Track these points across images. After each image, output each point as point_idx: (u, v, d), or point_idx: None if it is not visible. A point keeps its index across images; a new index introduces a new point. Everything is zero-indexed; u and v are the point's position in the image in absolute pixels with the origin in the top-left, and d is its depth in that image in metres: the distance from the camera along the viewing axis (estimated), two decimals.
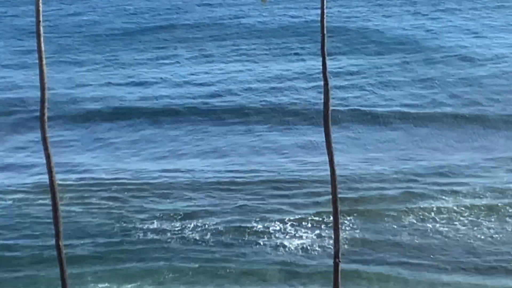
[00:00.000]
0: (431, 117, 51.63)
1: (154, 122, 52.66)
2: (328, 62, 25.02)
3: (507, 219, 39.42)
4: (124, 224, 39.86)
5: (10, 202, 42.47)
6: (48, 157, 24.73)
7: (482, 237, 38.06)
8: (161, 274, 35.97)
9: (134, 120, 52.96)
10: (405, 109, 52.80)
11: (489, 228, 38.69)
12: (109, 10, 75.39)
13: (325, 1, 24.20)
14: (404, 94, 55.20)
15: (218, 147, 48.80)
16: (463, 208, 40.23)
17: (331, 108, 24.56)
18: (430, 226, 39.09)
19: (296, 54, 63.17)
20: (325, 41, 25.59)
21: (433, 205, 40.63)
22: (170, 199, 42.45)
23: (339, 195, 25.84)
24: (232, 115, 53.05)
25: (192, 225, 39.66)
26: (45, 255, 37.10)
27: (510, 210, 40.09)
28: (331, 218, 28.38)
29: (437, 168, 44.58)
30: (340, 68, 59.32)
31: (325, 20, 25.45)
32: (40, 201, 41.47)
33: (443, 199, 41.34)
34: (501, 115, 51.35)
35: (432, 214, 39.92)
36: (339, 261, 26.95)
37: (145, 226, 39.66)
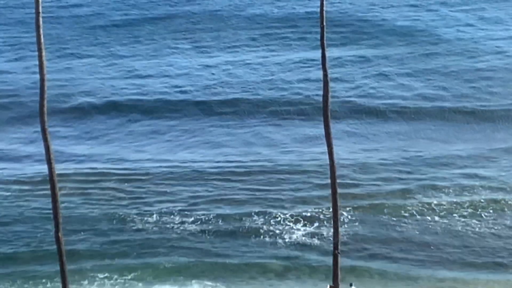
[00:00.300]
0: (429, 110, 51.43)
1: (150, 114, 52.47)
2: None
3: (507, 213, 39.36)
4: (123, 216, 39.85)
5: (9, 193, 42.47)
6: (47, 148, 24.73)
7: (481, 232, 38.02)
8: (160, 265, 36.00)
9: (130, 113, 52.78)
10: (403, 103, 52.62)
11: (488, 223, 38.63)
12: (108, 0, 75.02)
13: None
14: (402, 87, 55.02)
15: (216, 140, 48.70)
16: (462, 203, 40.18)
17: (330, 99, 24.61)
18: (429, 219, 39.05)
19: (291, 46, 62.87)
20: (325, 32, 25.58)
21: (432, 199, 40.60)
22: (169, 191, 42.41)
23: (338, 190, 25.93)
24: (227, 107, 52.86)
25: (191, 218, 39.63)
26: (44, 246, 37.14)
27: (510, 203, 40.05)
28: (330, 210, 28.37)
29: (436, 163, 44.50)
30: (334, 59, 59.00)
31: (324, 11, 25.43)
32: (39, 192, 41.48)
33: (442, 192, 41.27)
34: (500, 108, 51.19)
35: (431, 208, 39.85)
36: (339, 253, 26.97)
37: (144, 218, 39.64)
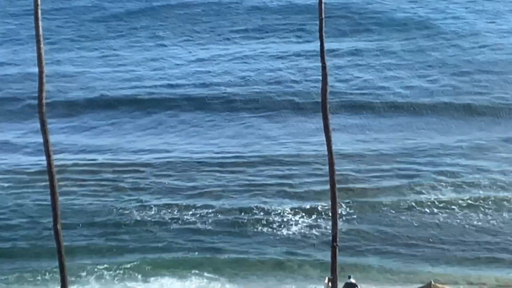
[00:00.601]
0: (427, 104, 51.30)
1: (145, 109, 52.19)
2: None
3: (505, 209, 39.32)
4: (122, 208, 39.90)
5: (8, 184, 42.52)
6: (46, 141, 24.75)
7: (480, 226, 37.98)
8: (159, 257, 36.06)
9: (126, 106, 52.61)
10: (400, 96, 52.48)
11: (487, 217, 38.61)
12: None
13: None
14: (400, 80, 54.92)
15: (213, 133, 48.63)
16: (461, 197, 40.13)
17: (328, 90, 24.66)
18: (428, 213, 39.04)
19: (287, 38, 62.67)
20: (323, 24, 25.59)
21: (431, 194, 40.55)
22: (167, 183, 42.41)
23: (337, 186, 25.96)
24: (223, 101, 52.71)
25: (190, 211, 39.63)
26: (43, 238, 37.19)
27: (509, 197, 40.02)
28: (329, 203, 28.37)
29: (435, 155, 44.47)
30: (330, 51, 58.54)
31: (323, 3, 25.44)
32: (38, 184, 41.55)
33: (441, 186, 41.22)
34: (498, 102, 51.04)
35: (430, 202, 39.78)
36: (337, 245, 26.99)
37: (143, 211, 39.69)
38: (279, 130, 48.70)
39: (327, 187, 27.52)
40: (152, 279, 34.66)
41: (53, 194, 25.05)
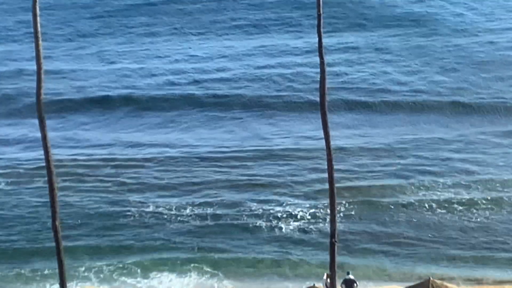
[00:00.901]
0: (426, 102, 51.19)
1: (141, 106, 52.13)
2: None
3: (503, 207, 39.31)
4: (121, 204, 39.97)
5: (6, 180, 42.55)
6: (44, 137, 24.74)
7: (477, 226, 38.00)
8: (158, 253, 36.10)
9: (124, 105, 52.57)
10: (399, 94, 52.43)
11: (484, 217, 38.60)
12: None
13: None
14: (399, 78, 54.91)
15: (212, 131, 48.69)
16: (459, 196, 40.17)
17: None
18: (425, 213, 39.04)
19: (283, 34, 62.56)
20: (322, 20, 25.58)
21: (429, 192, 40.57)
22: (166, 179, 42.49)
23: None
24: (219, 99, 52.67)
25: (189, 207, 39.68)
26: (41, 234, 37.23)
27: (506, 197, 40.04)
28: (327, 200, 28.38)
29: (434, 152, 44.51)
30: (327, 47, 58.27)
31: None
32: (36, 179, 41.61)
33: (440, 184, 41.24)
34: (496, 100, 50.97)
35: (428, 201, 39.80)
36: (336, 241, 26.94)
37: (142, 207, 39.74)
38: (277, 127, 48.69)
39: (326, 184, 27.49)
40: (151, 275, 34.70)
41: (51, 190, 25.04)
